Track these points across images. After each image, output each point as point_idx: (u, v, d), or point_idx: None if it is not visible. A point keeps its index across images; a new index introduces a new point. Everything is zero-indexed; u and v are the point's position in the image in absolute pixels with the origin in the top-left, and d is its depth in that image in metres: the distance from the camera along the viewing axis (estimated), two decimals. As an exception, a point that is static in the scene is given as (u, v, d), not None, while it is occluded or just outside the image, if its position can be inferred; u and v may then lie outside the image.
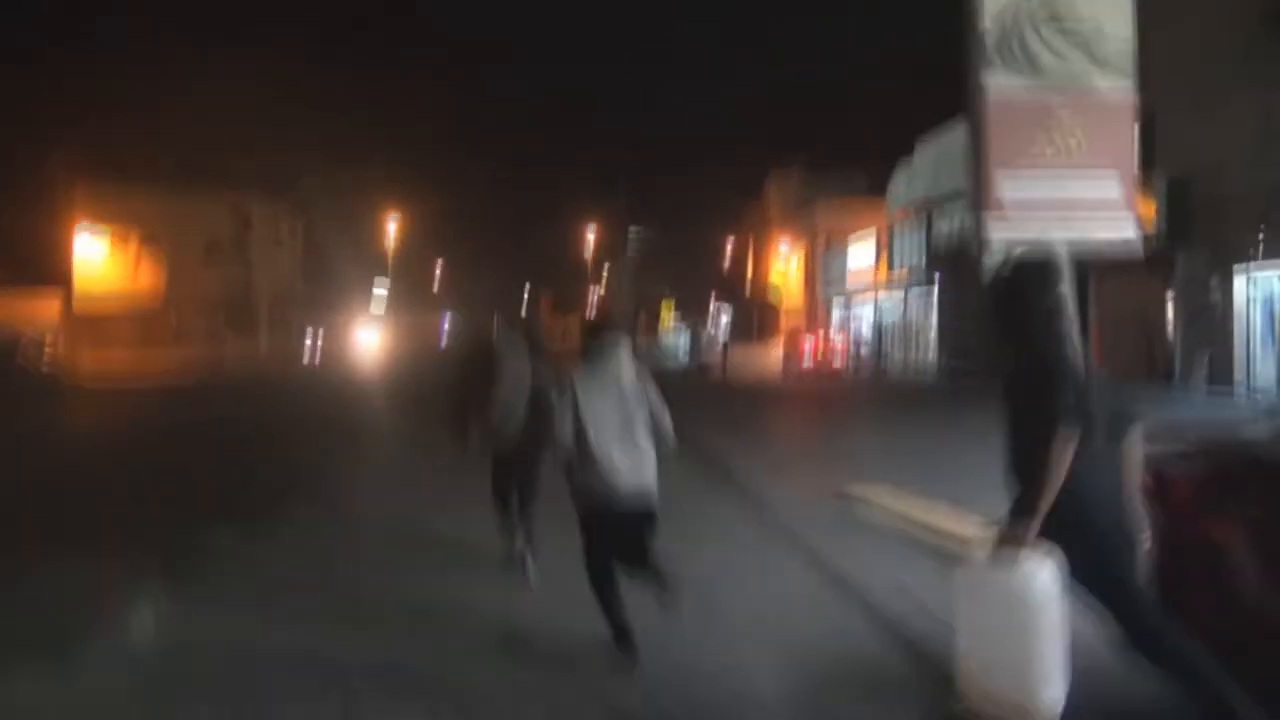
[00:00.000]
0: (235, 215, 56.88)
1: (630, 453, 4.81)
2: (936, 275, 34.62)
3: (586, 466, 4.79)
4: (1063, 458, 3.43)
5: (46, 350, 30.87)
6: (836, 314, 48.29)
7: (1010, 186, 8.86)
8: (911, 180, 41.47)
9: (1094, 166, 9.07)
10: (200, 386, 29.15)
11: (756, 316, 64.75)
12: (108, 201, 53.83)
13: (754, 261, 68.34)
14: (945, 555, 6.10)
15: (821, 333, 43.03)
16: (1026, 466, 3.59)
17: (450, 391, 7.11)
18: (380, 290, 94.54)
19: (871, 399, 23.07)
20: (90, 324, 49.36)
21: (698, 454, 11.07)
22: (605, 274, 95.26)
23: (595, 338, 5.13)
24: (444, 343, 73.55)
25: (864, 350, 40.69)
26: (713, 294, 75.23)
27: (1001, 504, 3.73)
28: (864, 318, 44.01)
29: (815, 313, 53.11)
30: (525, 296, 78.41)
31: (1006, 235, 8.63)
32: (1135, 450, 3.75)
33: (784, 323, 61.12)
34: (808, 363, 37.67)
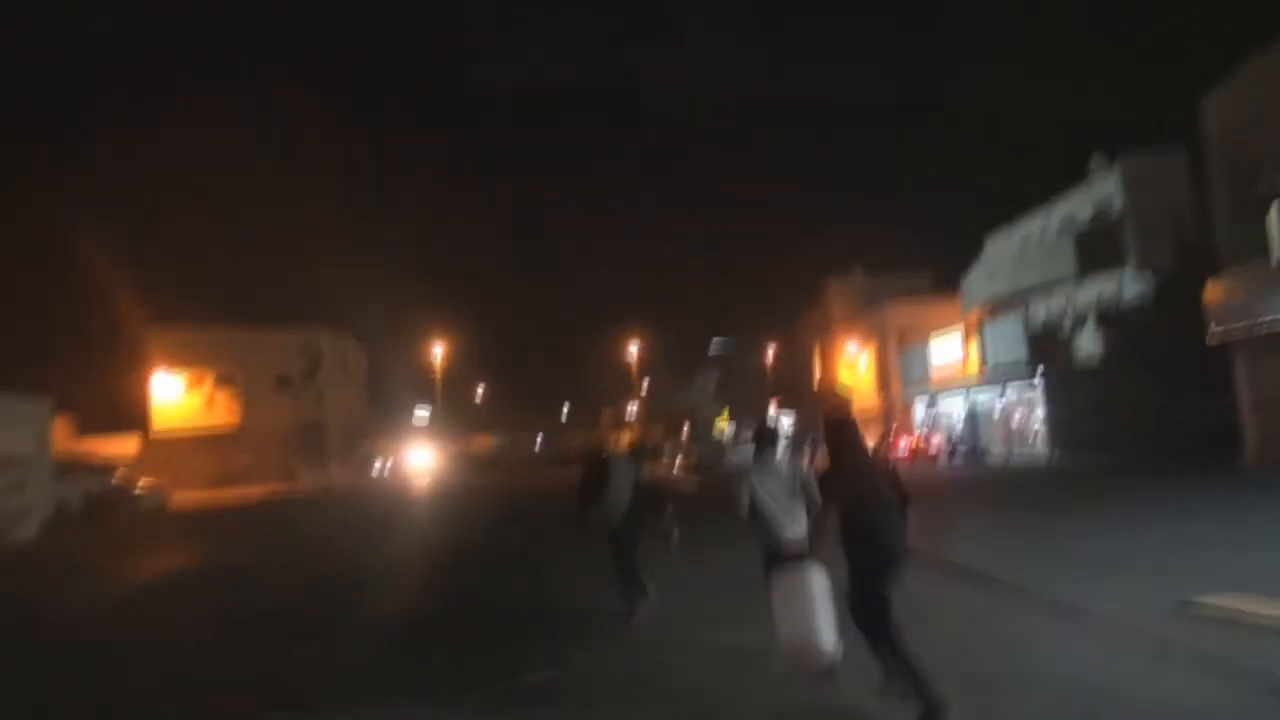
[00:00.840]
0: (306, 351, 57.61)
1: (792, 514, 6.56)
2: (1040, 368, 34.05)
3: (761, 527, 6.57)
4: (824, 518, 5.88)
5: (142, 485, 31.05)
6: (920, 410, 47.53)
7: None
8: (991, 275, 41.34)
9: None
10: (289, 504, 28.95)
11: (824, 418, 63.99)
12: (182, 344, 54.82)
13: (820, 364, 68.03)
14: None
15: (916, 428, 42.48)
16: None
17: (577, 487, 8.94)
18: (422, 412, 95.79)
19: (1014, 490, 22.10)
20: (168, 462, 49.53)
21: (938, 565, 10.12)
22: (646, 384, 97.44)
23: (761, 443, 7.07)
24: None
25: (959, 443, 39.95)
26: (772, 399, 74.68)
27: None
28: (952, 412, 43.26)
29: (891, 410, 52.44)
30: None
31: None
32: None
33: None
34: (900, 455, 37.21)
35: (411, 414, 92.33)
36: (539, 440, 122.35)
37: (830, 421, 6.21)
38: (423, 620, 9.42)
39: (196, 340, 54.71)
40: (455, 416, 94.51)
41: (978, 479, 26.49)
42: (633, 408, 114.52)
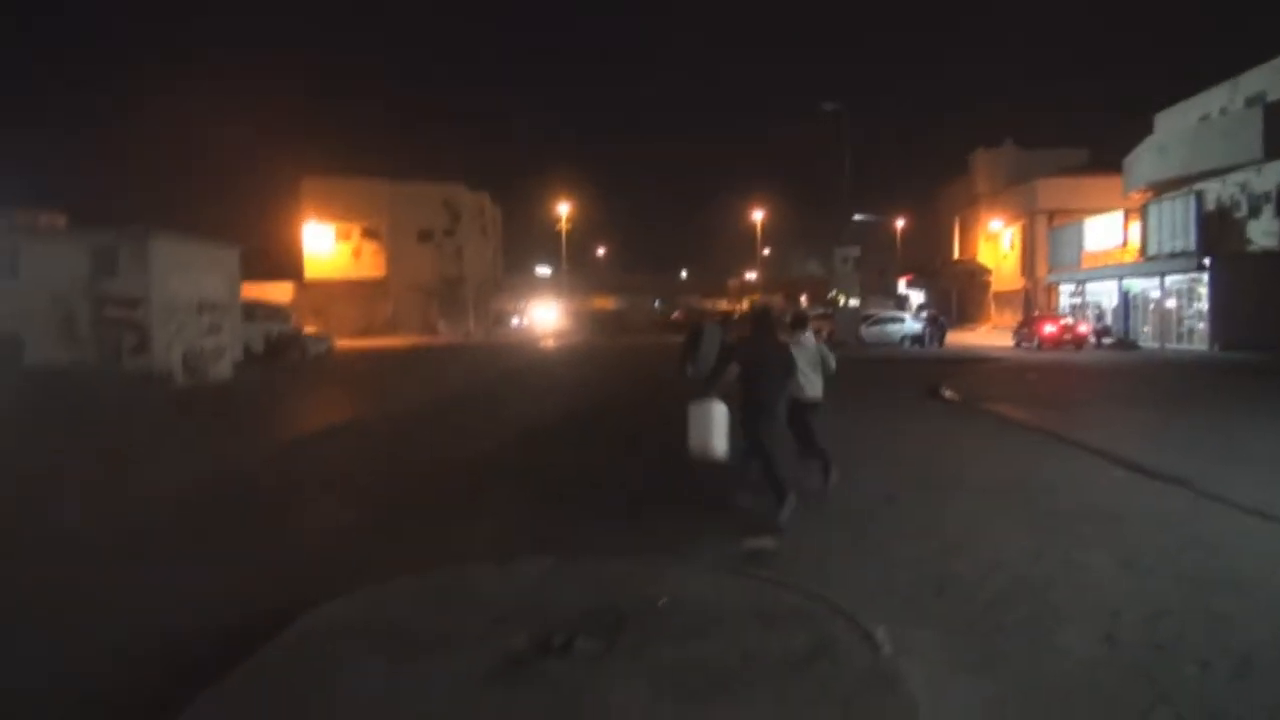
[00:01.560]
0: (447, 206, 58.99)
1: (811, 378, 8.97)
2: (1209, 260, 32.29)
3: (794, 383, 8.46)
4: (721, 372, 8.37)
5: (309, 330, 33.33)
6: (1066, 293, 45.88)
7: None
8: (1161, 156, 38.81)
9: None
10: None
11: (957, 296, 62.49)
12: (332, 196, 56.88)
13: (959, 239, 65.89)
14: None
15: (1062, 311, 41.29)
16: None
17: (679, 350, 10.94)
18: (544, 270, 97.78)
19: (1184, 384, 21.42)
20: (317, 310, 52.26)
21: (1124, 465, 10.26)
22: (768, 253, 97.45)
23: (795, 325, 9.31)
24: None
25: (1109, 330, 38.65)
26: (903, 275, 73.00)
27: None
28: (1102, 298, 41.61)
29: (1035, 291, 50.80)
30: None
31: None
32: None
33: (992, 303, 58.87)
34: (1045, 337, 36.27)
35: (537, 272, 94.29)
36: (656, 303, 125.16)
37: (754, 310, 10.52)
38: (621, 479, 10.11)
39: (346, 192, 56.64)
40: (578, 275, 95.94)
41: (1142, 370, 25.73)
42: (752, 275, 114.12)
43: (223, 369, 22.70)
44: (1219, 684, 4.50)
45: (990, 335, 47.79)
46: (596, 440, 13.35)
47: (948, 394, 18.64)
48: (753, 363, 8.03)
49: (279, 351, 27.51)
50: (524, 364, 31.51)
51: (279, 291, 50.57)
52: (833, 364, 9.21)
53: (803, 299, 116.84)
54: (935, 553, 6.93)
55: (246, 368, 24.46)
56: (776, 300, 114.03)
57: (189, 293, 21.15)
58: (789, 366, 8.26)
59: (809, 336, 9.24)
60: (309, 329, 33.79)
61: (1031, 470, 10.42)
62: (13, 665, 4.99)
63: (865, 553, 6.96)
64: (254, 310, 28.30)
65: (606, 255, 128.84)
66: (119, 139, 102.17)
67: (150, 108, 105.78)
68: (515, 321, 67.25)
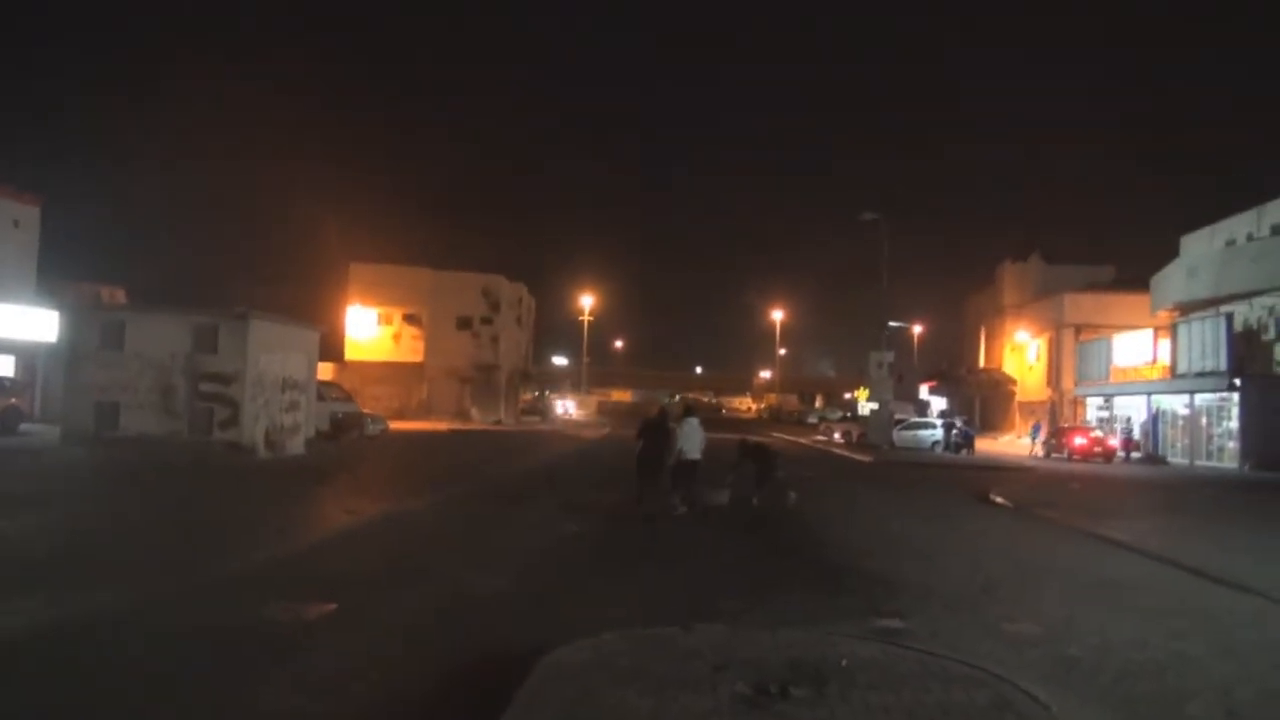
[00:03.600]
0: (486, 296, 60.74)
1: (692, 447, 15.11)
2: (1239, 380, 33.24)
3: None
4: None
5: (368, 412, 34.63)
6: (1093, 406, 46.71)
7: None
8: (1190, 278, 40.15)
9: None
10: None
11: (980, 404, 63.28)
12: (377, 282, 58.78)
13: (984, 350, 67.02)
14: None
15: (1091, 424, 42.19)
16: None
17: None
18: (560, 360, 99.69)
19: (1226, 501, 22.15)
20: (356, 391, 53.41)
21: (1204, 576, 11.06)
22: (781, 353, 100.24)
23: (686, 414, 16.08)
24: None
25: (1138, 444, 39.47)
26: (924, 382, 73.93)
27: None
28: (1130, 413, 42.45)
29: (1060, 403, 51.65)
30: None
31: None
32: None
33: (1016, 413, 59.63)
34: (1076, 448, 37.22)
35: (565, 362, 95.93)
36: (673, 397, 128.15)
37: (652, 419, 16.03)
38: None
39: (390, 279, 58.55)
40: (596, 367, 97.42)
41: (1177, 484, 26.46)
42: (768, 374, 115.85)
43: (297, 444, 23.73)
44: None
45: (1015, 445, 48.48)
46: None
47: (999, 500, 19.43)
48: (651, 437, 15.16)
49: (343, 430, 28.59)
50: (569, 451, 32.44)
51: (320, 371, 51.84)
52: (702, 440, 15.48)
53: (818, 400, 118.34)
54: (1047, 636, 7.76)
55: (314, 444, 25.48)
56: (791, 399, 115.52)
57: (276, 371, 22.36)
58: (669, 440, 15.01)
59: (694, 421, 15.63)
60: (368, 410, 35.03)
61: (1107, 570, 11.25)
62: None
63: (987, 631, 7.79)
64: (324, 391, 29.51)
65: (624, 348, 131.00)
66: (177, 216, 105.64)
67: (205, 184, 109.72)
68: (560, 409, 71.16)
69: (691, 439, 15.18)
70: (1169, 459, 37.46)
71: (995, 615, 8.57)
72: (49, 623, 7.13)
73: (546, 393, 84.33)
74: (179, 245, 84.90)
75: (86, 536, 11.44)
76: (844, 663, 6.06)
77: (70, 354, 21.84)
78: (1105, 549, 13.12)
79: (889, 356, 40.21)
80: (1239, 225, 39.99)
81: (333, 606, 8.10)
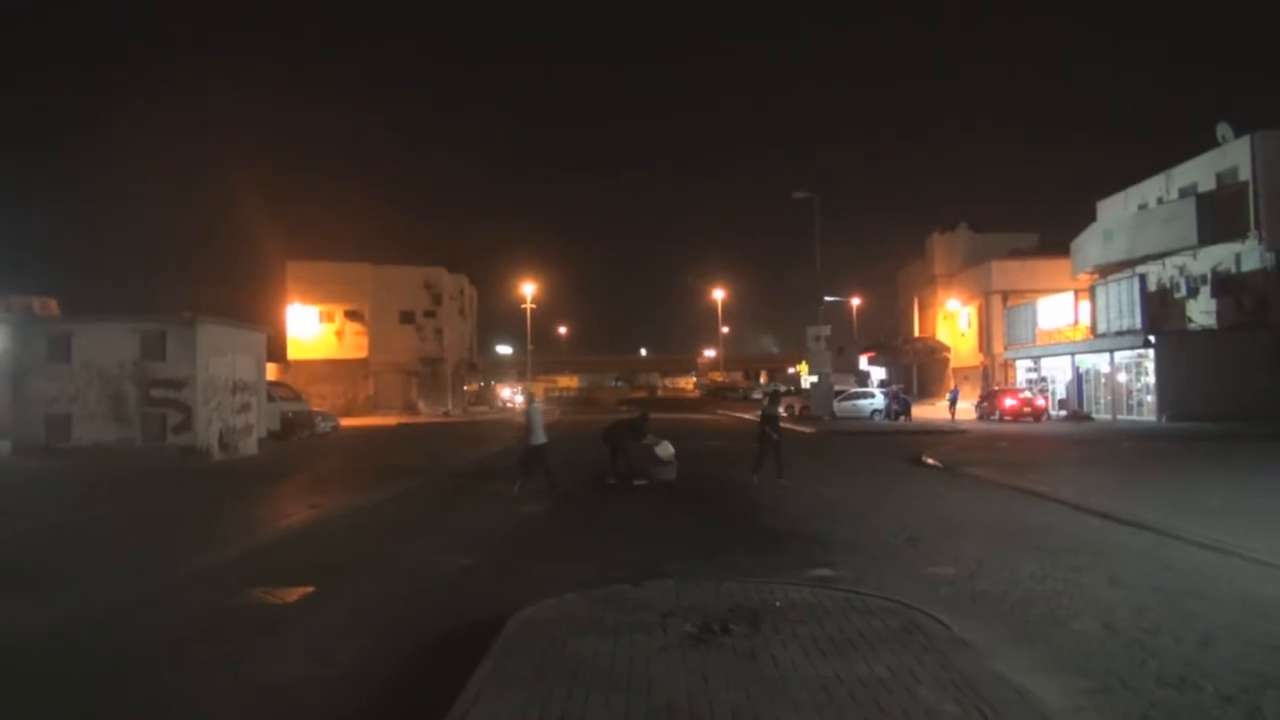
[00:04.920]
0: (428, 289, 60.77)
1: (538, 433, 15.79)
2: (1153, 337, 35.02)
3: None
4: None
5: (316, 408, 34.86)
6: (1022, 369, 48.61)
7: None
8: (1106, 241, 42.01)
9: None
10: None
11: (917, 372, 65.16)
12: (317, 279, 58.44)
13: (918, 319, 68.90)
14: None
15: (1020, 386, 43.96)
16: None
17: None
18: (505, 350, 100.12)
19: (1139, 450, 23.60)
20: (300, 390, 53.29)
21: (1099, 515, 12.23)
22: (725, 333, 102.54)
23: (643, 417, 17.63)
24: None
25: (1065, 403, 41.35)
26: (863, 353, 75.75)
27: None
28: (1056, 373, 44.32)
29: (993, 367, 53.55)
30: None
31: None
32: None
33: (951, 377, 61.58)
34: (1007, 410, 38.91)
35: (510, 351, 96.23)
36: (615, 381, 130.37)
37: (621, 424, 17.20)
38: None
39: (330, 275, 58.26)
40: (541, 354, 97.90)
41: (1098, 439, 28.00)
42: (711, 353, 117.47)
43: (250, 445, 24.01)
44: (1190, 650, 6.30)
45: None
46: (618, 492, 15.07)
47: (930, 461, 20.60)
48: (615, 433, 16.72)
49: (293, 429, 28.84)
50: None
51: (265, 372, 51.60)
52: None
53: (763, 376, 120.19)
54: (962, 576, 8.72)
55: (266, 444, 25.76)
56: (735, 377, 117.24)
57: (225, 374, 22.62)
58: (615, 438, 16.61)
59: (536, 405, 16.90)
60: (317, 408, 35.24)
61: (1022, 518, 12.32)
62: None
63: (909, 577, 8.72)
64: (273, 391, 29.70)
65: (568, 334, 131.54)
66: (104, 222, 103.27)
67: (134, 191, 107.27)
68: (512, 398, 72.18)
69: (537, 422, 15.69)
70: (1093, 415, 39.29)
71: (917, 561, 9.52)
72: (55, 621, 7.73)
73: (492, 383, 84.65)
74: (110, 252, 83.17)
75: (62, 543, 11.87)
76: (778, 604, 6.91)
77: (16, 367, 21.84)
78: (1024, 500, 14.22)
79: (825, 331, 41.47)
80: (1150, 189, 41.90)
81: (310, 589, 8.75)
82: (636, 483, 15.98)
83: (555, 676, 5.30)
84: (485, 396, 72.80)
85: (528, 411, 16.04)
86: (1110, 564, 9.16)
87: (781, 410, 18.34)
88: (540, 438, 15.51)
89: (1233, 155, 35.90)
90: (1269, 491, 14.60)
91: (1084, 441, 27.05)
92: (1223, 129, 36.91)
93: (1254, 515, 11.90)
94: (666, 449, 16.50)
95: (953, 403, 41.40)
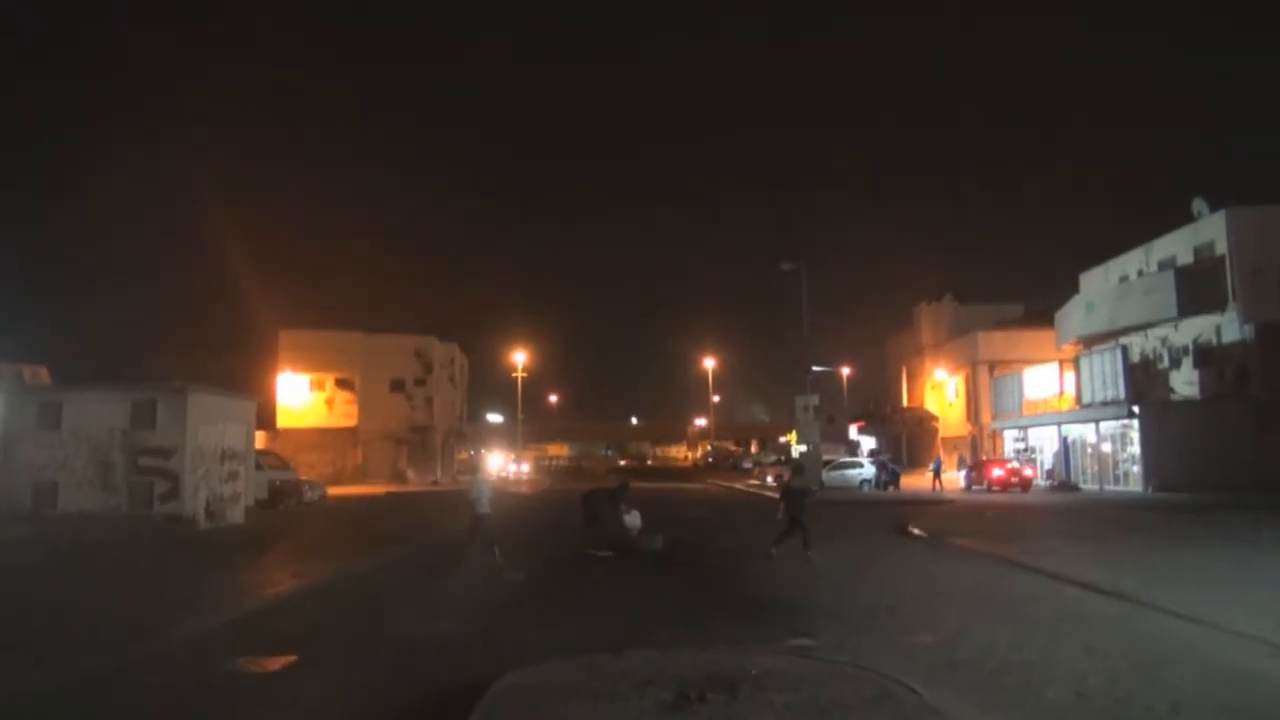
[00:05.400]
0: (419, 358, 61.08)
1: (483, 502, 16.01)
2: (1137, 408, 35.40)
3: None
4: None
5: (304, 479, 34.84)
6: (1010, 439, 48.87)
7: None
8: (1088, 313, 42.69)
9: None
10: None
11: (906, 442, 65.38)
12: (307, 348, 58.76)
13: (906, 389, 69.37)
14: None
15: (1008, 456, 44.16)
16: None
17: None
18: (494, 417, 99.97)
19: (1124, 521, 23.74)
20: (289, 458, 53.16)
21: (1077, 584, 12.38)
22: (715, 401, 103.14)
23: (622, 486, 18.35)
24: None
25: (1052, 473, 41.54)
26: (853, 422, 76.01)
27: None
28: (1043, 443, 44.58)
29: (980, 437, 53.81)
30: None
31: None
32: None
33: (938, 447, 61.78)
34: (995, 480, 39.05)
35: (500, 419, 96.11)
36: (606, 450, 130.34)
37: (599, 491, 18.22)
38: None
39: (321, 344, 58.58)
40: (531, 423, 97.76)
41: (1084, 510, 28.12)
42: (703, 421, 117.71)
43: (237, 513, 23.98)
44: (1160, 718, 6.43)
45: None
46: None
47: (916, 531, 20.72)
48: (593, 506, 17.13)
49: (280, 498, 28.81)
50: (510, 507, 32.95)
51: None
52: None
53: (754, 445, 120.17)
54: (942, 643, 8.83)
55: (253, 512, 25.71)
56: (726, 446, 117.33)
57: (214, 442, 22.71)
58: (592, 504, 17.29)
59: (484, 478, 18.41)
60: (305, 476, 35.23)
61: (1002, 588, 12.44)
62: None
63: (888, 644, 8.82)
64: (261, 459, 29.72)
65: (559, 402, 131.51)
66: (94, 288, 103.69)
67: (126, 257, 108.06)
68: (510, 469, 71.44)
69: (482, 493, 16.18)
70: (1081, 485, 39.43)
71: (897, 630, 9.62)
72: (40, 686, 7.78)
73: (480, 450, 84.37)
74: (100, 319, 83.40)
75: (45, 609, 11.86)
76: (754, 672, 7.01)
77: (5, 434, 21.89)
78: (1005, 570, 14.34)
79: (814, 400, 41.73)
80: (1130, 262, 42.72)
81: (293, 658, 8.79)
82: (600, 554, 16.09)
83: (533, 743, 5.40)
84: (474, 466, 72.58)
85: (475, 484, 16.85)
86: (1087, 633, 9.28)
87: (770, 479, 18.70)
88: (484, 508, 16.04)
89: (1208, 230, 36.76)
90: (1245, 563, 14.77)
91: (1069, 512, 27.17)
92: (1198, 204, 37.86)
93: (1230, 587, 12.07)
94: (635, 519, 16.81)
95: (936, 473, 41.47)
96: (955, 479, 43.42)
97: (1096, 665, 7.92)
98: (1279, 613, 9.86)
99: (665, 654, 7.77)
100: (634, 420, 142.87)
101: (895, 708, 6.10)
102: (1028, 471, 40.28)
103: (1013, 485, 38.62)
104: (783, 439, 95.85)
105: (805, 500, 16.08)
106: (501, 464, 73.77)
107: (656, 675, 6.88)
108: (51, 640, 9.78)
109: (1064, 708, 6.68)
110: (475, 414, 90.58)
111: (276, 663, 8.62)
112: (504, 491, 46.83)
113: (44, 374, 42.69)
